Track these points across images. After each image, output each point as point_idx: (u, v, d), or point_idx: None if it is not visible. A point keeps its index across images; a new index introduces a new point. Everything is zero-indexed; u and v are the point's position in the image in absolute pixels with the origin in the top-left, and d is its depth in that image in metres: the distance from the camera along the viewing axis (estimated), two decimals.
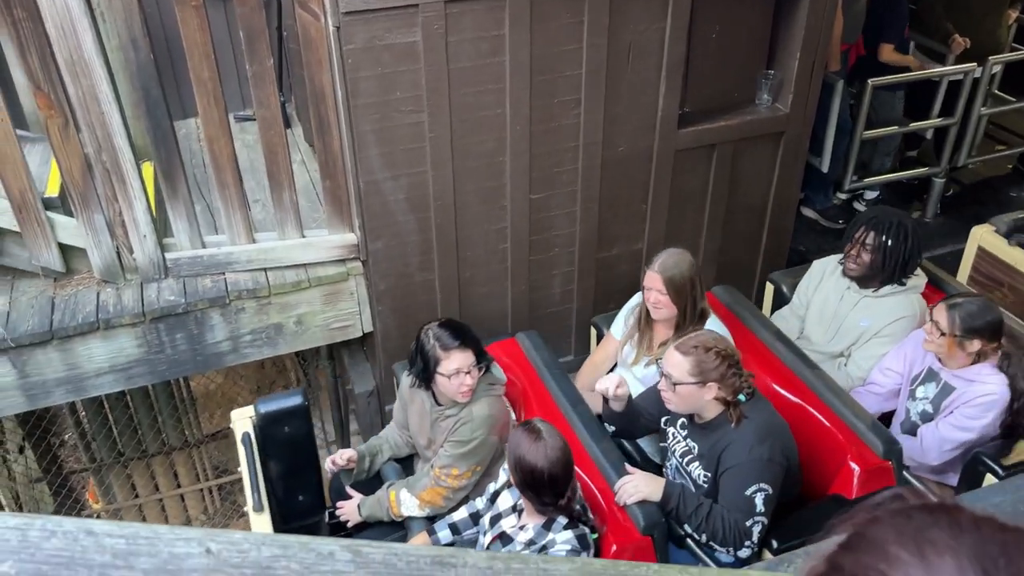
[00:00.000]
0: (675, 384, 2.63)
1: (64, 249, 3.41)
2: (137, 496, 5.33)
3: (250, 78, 3.14)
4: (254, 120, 4.10)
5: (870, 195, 5.57)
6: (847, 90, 4.88)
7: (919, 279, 3.39)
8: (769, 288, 3.94)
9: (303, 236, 3.55)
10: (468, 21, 3.14)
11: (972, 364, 2.99)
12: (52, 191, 3.46)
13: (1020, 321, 3.52)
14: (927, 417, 3.09)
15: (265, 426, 3.13)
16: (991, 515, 0.61)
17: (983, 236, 3.94)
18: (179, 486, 5.43)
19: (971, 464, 2.94)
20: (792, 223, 4.39)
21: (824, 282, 3.53)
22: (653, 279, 3.08)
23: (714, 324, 3.12)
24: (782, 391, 3.14)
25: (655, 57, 3.51)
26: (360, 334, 3.80)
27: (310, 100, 3.27)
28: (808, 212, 5.37)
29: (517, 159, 3.50)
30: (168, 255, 3.47)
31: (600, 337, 3.65)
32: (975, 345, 2.94)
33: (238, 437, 3.12)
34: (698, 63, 3.70)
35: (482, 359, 2.92)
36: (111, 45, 3.17)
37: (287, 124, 4.42)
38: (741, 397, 2.64)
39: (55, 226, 3.33)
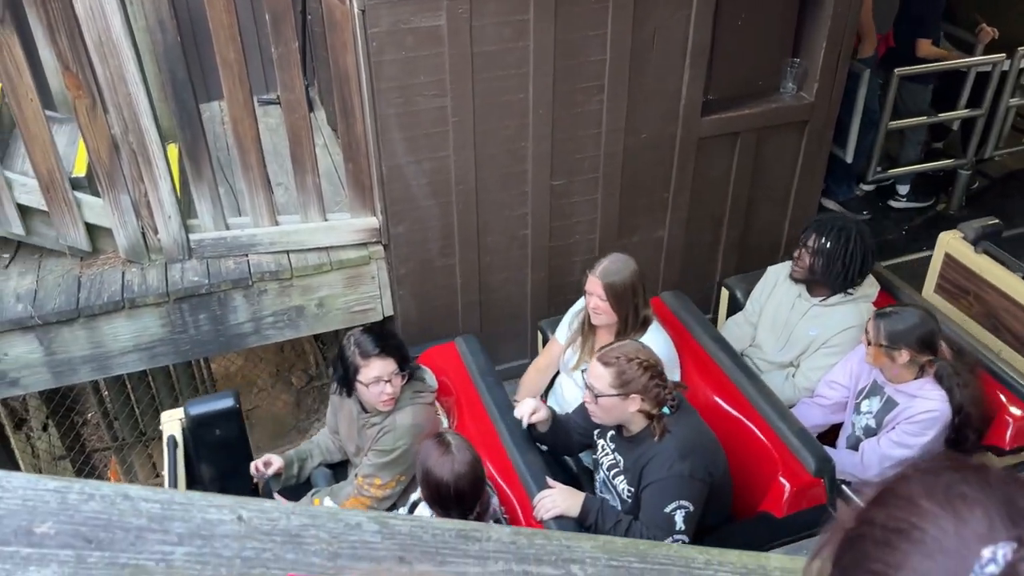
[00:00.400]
0: (597, 396, 2.53)
1: (90, 229, 3.45)
2: (158, 476, 5.40)
3: (275, 60, 3.15)
4: (277, 103, 4.13)
5: (903, 189, 5.51)
6: (875, 80, 4.83)
7: (870, 288, 3.27)
8: (724, 294, 3.85)
9: (325, 219, 3.57)
10: (492, 5, 3.14)
11: (916, 378, 2.88)
12: (79, 171, 3.49)
13: (972, 335, 3.37)
14: (870, 432, 2.99)
15: (195, 428, 3.07)
16: (1018, 475, 0.62)
17: (950, 243, 3.74)
18: None
19: None
20: (815, 212, 4.36)
21: (777, 289, 3.42)
22: (594, 284, 2.99)
23: (655, 332, 3.04)
24: (721, 402, 3.06)
25: (680, 43, 3.50)
26: (380, 318, 3.82)
27: (334, 83, 3.28)
28: (830, 204, 5.33)
29: (539, 144, 3.50)
30: (192, 236, 3.51)
31: (546, 341, 3.53)
32: (903, 356, 2.82)
33: (164, 439, 3.05)
34: (723, 50, 3.68)
35: (404, 367, 2.83)
36: (138, 26, 3.20)
37: (310, 108, 4.44)
38: (665, 410, 2.54)
39: (82, 206, 3.37)
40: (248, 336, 3.66)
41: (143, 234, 3.45)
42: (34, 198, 3.29)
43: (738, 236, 4.19)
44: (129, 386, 4.93)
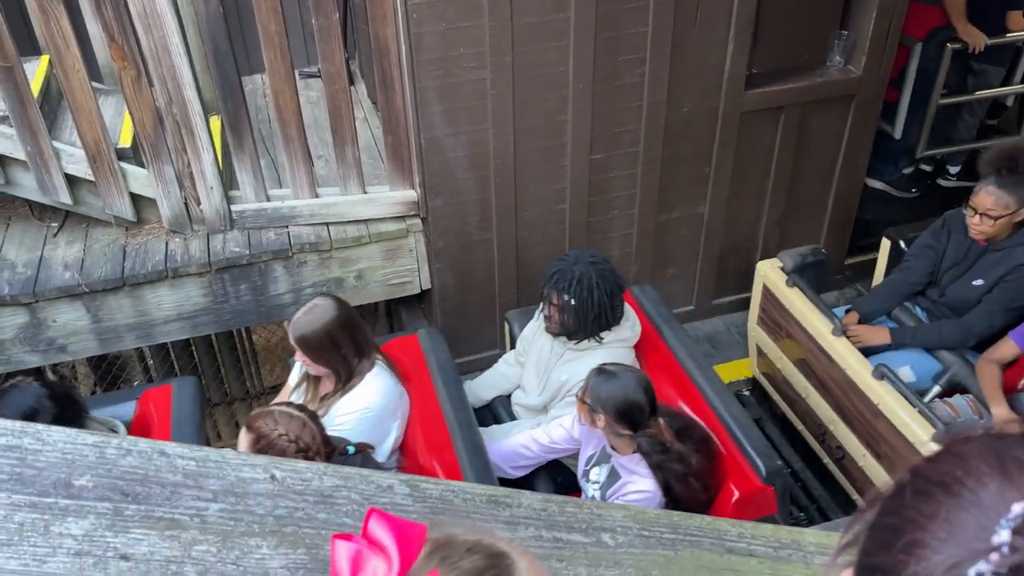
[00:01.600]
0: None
1: (135, 199, 3.51)
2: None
3: (315, 32, 3.16)
4: (319, 76, 4.13)
5: (953, 168, 5.35)
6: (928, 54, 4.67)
7: (628, 331, 3.00)
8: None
9: (365, 192, 3.59)
10: None
11: (634, 452, 2.58)
12: (125, 142, 3.55)
13: (787, 375, 3.07)
14: None
15: None
16: None
17: (767, 273, 3.34)
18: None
19: None
20: (860, 191, 4.28)
21: (541, 328, 3.09)
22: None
23: (372, 379, 2.78)
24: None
25: (724, 15, 3.43)
26: (418, 291, 3.84)
27: (374, 55, 3.28)
28: (875, 184, 5.16)
29: (579, 118, 3.47)
30: (234, 207, 3.55)
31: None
32: (600, 420, 2.53)
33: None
34: (768, 22, 3.60)
35: None
36: None
37: (351, 81, 4.45)
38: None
39: (127, 176, 3.42)
40: (288, 307, 3.70)
41: (186, 204, 3.50)
42: (81, 168, 3.36)
43: (780, 213, 4.12)
44: (173, 355, 5.03)
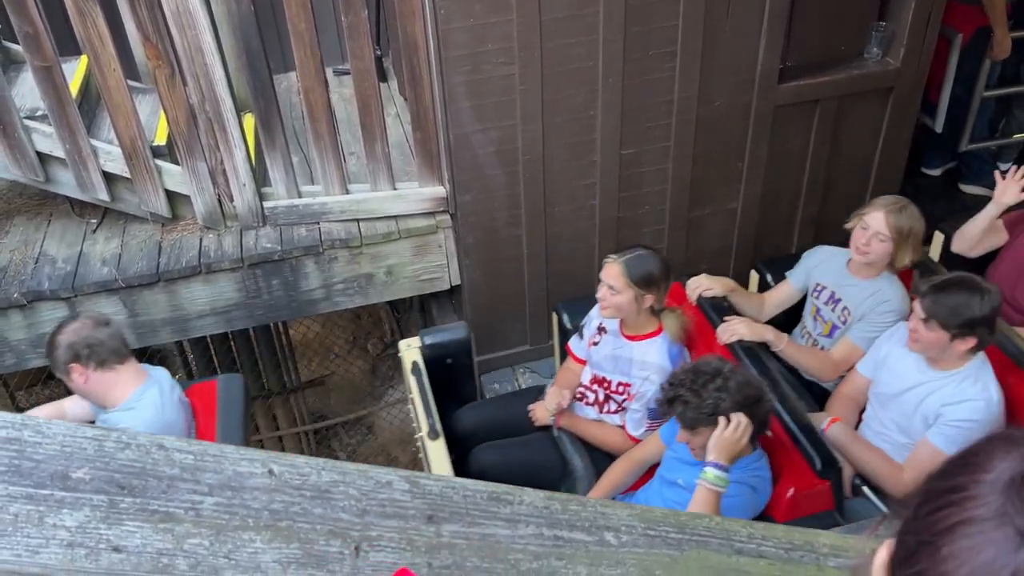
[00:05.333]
0: None
1: (171, 196, 3.57)
2: None
3: (345, 29, 3.18)
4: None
5: (1004, 165, 5.20)
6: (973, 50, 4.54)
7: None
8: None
9: (395, 188, 3.61)
10: None
11: None
12: (160, 140, 3.62)
13: None
14: None
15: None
16: None
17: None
18: (278, 429, 5.68)
19: None
20: (899, 186, 4.17)
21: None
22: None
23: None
24: None
25: (757, 7, 3.37)
26: (448, 287, 3.85)
27: (402, 51, 3.29)
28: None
29: (608, 113, 3.44)
30: (266, 204, 3.59)
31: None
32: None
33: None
34: (802, 14, 3.52)
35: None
36: None
37: (383, 78, 4.48)
38: None
39: (162, 173, 3.49)
40: (319, 302, 3.74)
41: (219, 201, 3.55)
42: (118, 165, 3.43)
43: (816, 210, 4.05)
44: (212, 349, 5.12)
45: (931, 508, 0.60)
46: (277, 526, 0.99)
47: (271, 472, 1.05)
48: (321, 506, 1.05)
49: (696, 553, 1.28)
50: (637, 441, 2.95)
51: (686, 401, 2.44)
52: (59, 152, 3.37)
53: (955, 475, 0.61)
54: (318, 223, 3.65)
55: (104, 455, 0.96)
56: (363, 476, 1.12)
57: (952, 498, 0.59)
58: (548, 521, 1.20)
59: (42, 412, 2.98)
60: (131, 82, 3.43)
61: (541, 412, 3.12)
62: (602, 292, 2.91)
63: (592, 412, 3.11)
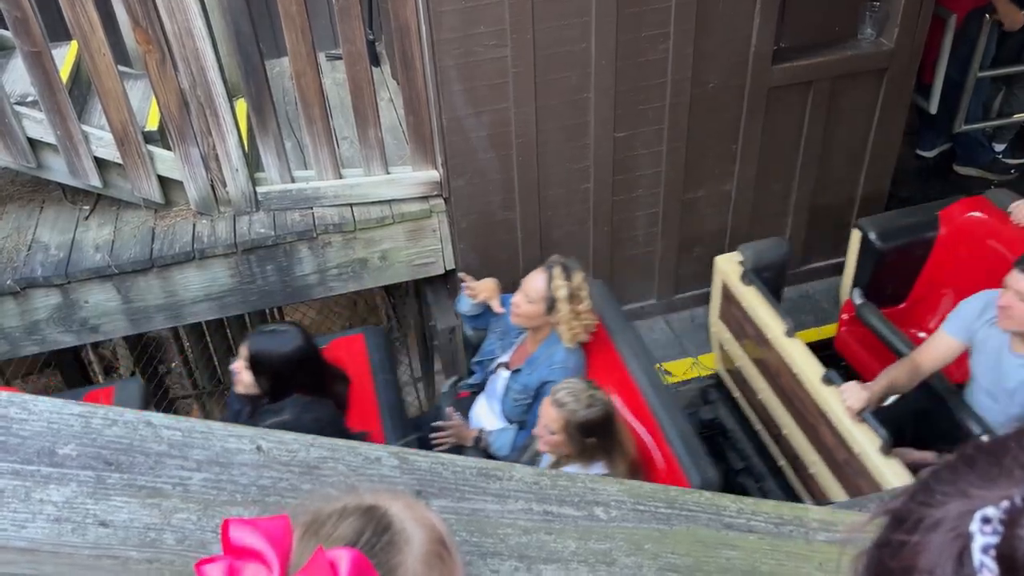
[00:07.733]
0: None
1: (163, 182, 3.56)
2: None
3: (336, 12, 3.17)
4: None
5: (999, 146, 5.20)
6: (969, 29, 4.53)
7: None
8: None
9: (388, 173, 3.60)
10: None
11: None
12: (152, 125, 3.60)
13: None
14: None
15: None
16: None
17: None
18: None
19: None
20: (892, 167, 4.17)
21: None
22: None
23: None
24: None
25: None
26: (442, 271, 3.85)
27: (394, 35, 3.28)
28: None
29: (601, 95, 3.43)
30: (259, 189, 3.58)
31: None
32: None
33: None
34: None
35: None
36: None
37: (376, 62, 4.46)
38: None
39: (154, 159, 3.47)
40: (313, 287, 3.74)
41: (212, 187, 3.54)
42: (109, 151, 3.41)
43: (810, 191, 4.04)
44: (207, 335, 5.12)
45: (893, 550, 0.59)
46: (265, 501, 0.99)
47: (259, 448, 1.05)
48: (310, 482, 1.05)
49: (685, 528, 1.29)
50: None
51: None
52: (50, 138, 3.35)
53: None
54: (311, 208, 3.64)
55: (91, 432, 0.97)
56: (352, 452, 1.12)
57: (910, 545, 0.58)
58: (538, 496, 1.20)
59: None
60: (122, 67, 3.41)
61: None
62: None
63: None
